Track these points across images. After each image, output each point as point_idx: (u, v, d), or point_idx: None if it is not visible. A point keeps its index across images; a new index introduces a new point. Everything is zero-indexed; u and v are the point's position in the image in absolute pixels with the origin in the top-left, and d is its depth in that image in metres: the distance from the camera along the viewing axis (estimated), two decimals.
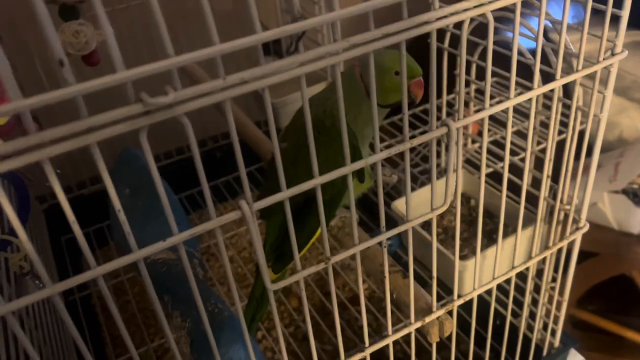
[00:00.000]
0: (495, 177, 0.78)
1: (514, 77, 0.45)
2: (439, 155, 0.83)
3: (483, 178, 0.52)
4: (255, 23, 0.31)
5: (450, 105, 0.81)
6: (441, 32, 0.73)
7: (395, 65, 0.54)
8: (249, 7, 0.31)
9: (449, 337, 0.57)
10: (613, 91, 1.31)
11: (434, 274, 0.52)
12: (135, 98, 0.30)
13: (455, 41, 0.71)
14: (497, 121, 0.90)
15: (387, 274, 0.48)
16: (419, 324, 0.54)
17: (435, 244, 0.50)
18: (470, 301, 0.59)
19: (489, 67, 0.44)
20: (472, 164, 0.83)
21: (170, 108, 0.31)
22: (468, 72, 0.71)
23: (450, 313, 0.56)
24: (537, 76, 0.46)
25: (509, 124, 0.48)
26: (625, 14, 0.48)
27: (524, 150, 0.72)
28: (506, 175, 0.52)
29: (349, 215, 0.69)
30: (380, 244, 0.48)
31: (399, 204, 0.74)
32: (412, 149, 0.96)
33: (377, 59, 0.56)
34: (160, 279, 0.57)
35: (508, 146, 0.50)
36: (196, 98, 0.32)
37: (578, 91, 0.51)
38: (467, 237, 0.75)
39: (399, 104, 0.60)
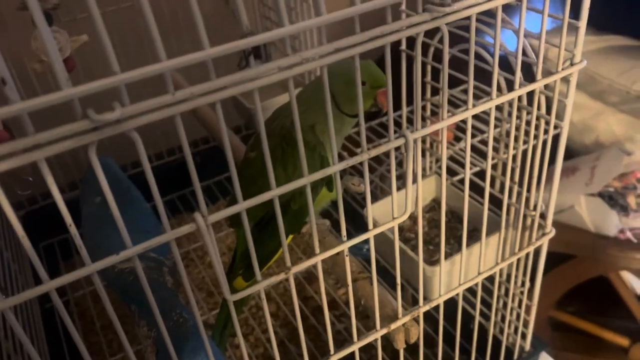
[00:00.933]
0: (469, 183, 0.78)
1: (471, 88, 0.45)
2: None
3: (444, 185, 0.52)
4: (203, 37, 0.32)
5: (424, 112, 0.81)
6: (411, 39, 0.74)
7: (363, 74, 0.55)
8: (195, 18, 0.31)
9: (418, 342, 0.58)
10: (589, 95, 1.32)
11: (398, 280, 0.52)
12: (82, 114, 0.30)
13: (425, 48, 0.72)
14: (473, 127, 0.91)
15: (349, 282, 0.48)
16: (384, 331, 0.54)
17: (397, 251, 0.51)
18: (448, 304, 0.60)
19: (445, 78, 0.45)
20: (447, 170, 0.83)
21: (119, 124, 0.31)
22: (438, 80, 0.72)
23: (417, 319, 0.56)
24: (494, 86, 0.46)
25: (469, 133, 0.48)
26: (582, 24, 0.49)
27: (494, 156, 0.72)
28: (467, 181, 0.53)
29: (320, 223, 0.69)
30: (362, 252, 0.48)
31: (372, 210, 0.74)
32: (387, 154, 0.96)
33: (343, 69, 0.56)
34: (128, 289, 0.57)
35: (468, 156, 0.50)
36: (145, 114, 0.32)
37: (538, 100, 0.52)
38: (439, 243, 0.75)
39: (371, 113, 0.61)
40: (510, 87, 0.52)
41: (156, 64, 0.31)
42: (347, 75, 0.56)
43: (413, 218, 0.78)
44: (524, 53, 0.55)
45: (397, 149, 0.46)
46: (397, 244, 0.50)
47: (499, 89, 0.64)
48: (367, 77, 0.56)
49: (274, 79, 0.35)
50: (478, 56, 0.63)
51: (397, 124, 1.00)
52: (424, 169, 0.83)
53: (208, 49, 0.32)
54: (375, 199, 0.99)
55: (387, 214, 0.75)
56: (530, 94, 0.54)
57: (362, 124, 0.42)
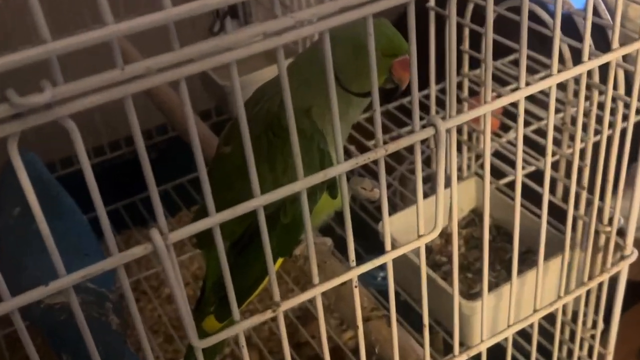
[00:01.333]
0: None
1: (524, 59, 0.46)
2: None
3: (487, 190, 0.53)
4: None
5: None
6: None
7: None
8: None
9: None
10: None
11: (425, 320, 0.53)
12: (1, 96, 0.31)
13: (460, 5, 0.72)
14: (527, 112, 0.92)
15: (359, 323, 0.49)
16: None
17: (424, 281, 0.51)
18: (492, 352, 0.60)
19: (489, 46, 0.45)
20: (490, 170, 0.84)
21: (49, 109, 0.32)
22: (478, 48, 0.73)
23: None
24: (556, 57, 0.47)
25: (520, 120, 0.49)
26: None
27: (555, 152, 0.73)
28: (519, 185, 0.53)
29: (320, 242, 0.70)
30: (370, 280, 0.48)
31: (390, 224, 0.75)
32: (410, 149, 0.97)
33: (347, 32, 0.57)
34: (58, 331, 0.58)
35: (520, 152, 0.51)
36: (84, 95, 0.32)
37: (614, 76, 0.52)
38: (481, 268, 0.76)
39: (386, 91, 0.61)
40: (577, 58, 0.53)
41: (99, 29, 0.31)
42: (353, 39, 0.56)
43: (445, 236, 0.79)
44: (595, 12, 0.55)
45: (424, 141, 0.47)
46: (424, 270, 0.51)
47: (562, 61, 0.65)
48: (380, 41, 0.56)
49: (257, 48, 0.36)
50: (533, 16, 0.64)
51: (424, 108, 1.01)
52: (459, 169, 0.84)
53: (169, 7, 0.32)
54: (393, 209, 1.00)
55: (409, 230, 0.76)
56: (605, 68, 0.54)
57: (376, 107, 0.43)
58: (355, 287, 0.48)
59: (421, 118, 0.90)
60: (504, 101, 0.46)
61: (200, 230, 0.40)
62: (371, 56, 0.40)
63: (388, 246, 0.48)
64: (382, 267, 0.92)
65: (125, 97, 0.34)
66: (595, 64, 0.50)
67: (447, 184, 0.52)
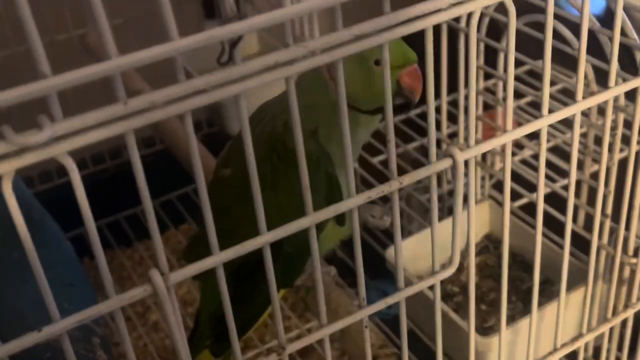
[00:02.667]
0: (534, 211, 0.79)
1: (547, 90, 0.47)
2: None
3: (507, 216, 0.53)
4: (170, 24, 0.33)
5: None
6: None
7: (375, 50, 0.56)
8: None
9: None
10: None
11: (439, 358, 0.53)
12: None
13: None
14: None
15: None
16: None
17: (439, 318, 0.52)
18: None
19: (511, 67, 0.46)
20: (500, 191, 0.84)
21: (47, 146, 0.32)
22: (492, 63, 0.74)
23: None
24: (580, 84, 0.48)
25: (543, 148, 0.50)
26: None
27: (576, 174, 0.74)
28: (541, 210, 0.54)
29: (323, 272, 0.70)
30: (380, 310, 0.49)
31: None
32: (414, 163, 0.97)
33: None
34: None
35: (542, 176, 0.51)
36: (84, 132, 0.33)
37: None
38: (495, 299, 0.77)
39: (396, 107, 0.62)
40: (601, 77, 0.53)
41: (102, 62, 0.32)
42: (358, 52, 0.56)
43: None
44: (622, 31, 0.56)
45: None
46: (439, 310, 0.51)
47: (585, 80, 0.66)
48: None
49: (268, 78, 0.37)
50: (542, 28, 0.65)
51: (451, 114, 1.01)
52: (465, 194, 0.85)
53: (176, 39, 0.33)
54: (390, 240, 1.00)
55: (418, 258, 0.77)
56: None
57: (390, 137, 0.43)
58: (366, 327, 0.49)
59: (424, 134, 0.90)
60: (525, 130, 0.47)
61: (203, 270, 0.40)
62: (386, 84, 0.41)
63: (401, 283, 0.49)
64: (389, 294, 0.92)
65: (127, 132, 0.34)
66: (621, 89, 0.51)
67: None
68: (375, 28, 0.39)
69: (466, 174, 0.46)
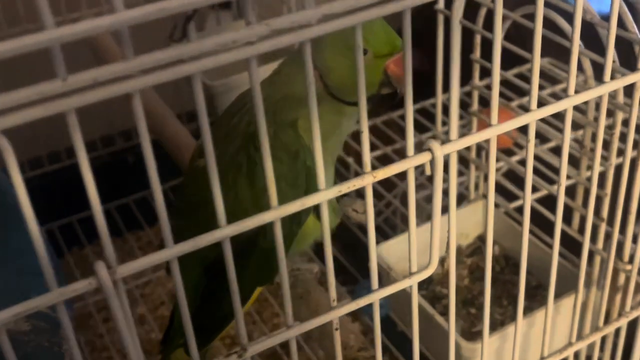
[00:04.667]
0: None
1: (536, 73, 0.44)
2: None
3: (491, 214, 0.51)
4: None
5: (464, 105, 0.80)
6: None
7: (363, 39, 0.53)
8: None
9: None
10: None
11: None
12: None
13: (471, 10, 0.70)
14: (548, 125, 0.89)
15: None
16: None
17: (416, 320, 0.49)
18: None
19: (497, 55, 0.43)
20: (498, 191, 0.82)
21: None
22: (487, 57, 0.70)
23: None
24: (572, 77, 0.45)
25: (531, 146, 0.47)
26: None
27: (572, 175, 0.71)
28: (527, 211, 0.51)
29: (305, 269, 0.68)
30: (365, 308, 0.46)
31: (384, 250, 0.73)
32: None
33: (337, 32, 0.54)
34: None
35: (529, 176, 0.49)
36: (17, 109, 0.30)
37: (638, 97, 0.50)
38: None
39: (384, 97, 0.59)
40: (599, 73, 0.50)
41: (36, 33, 0.29)
42: (343, 40, 0.54)
43: (446, 264, 0.77)
44: (620, 23, 0.53)
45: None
46: (416, 313, 0.49)
47: (580, 71, 0.63)
48: (370, 39, 0.54)
49: (226, 59, 0.34)
50: (553, 26, 0.62)
51: (431, 118, 0.99)
52: (466, 189, 0.82)
53: (122, 11, 0.30)
54: (393, 230, 0.98)
55: (407, 255, 0.74)
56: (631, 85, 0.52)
57: (364, 127, 0.41)
58: (336, 329, 0.46)
59: (427, 130, 0.88)
60: (513, 125, 0.44)
61: (155, 263, 0.37)
62: (359, 70, 0.38)
63: (375, 284, 0.46)
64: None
65: (67, 111, 0.32)
66: (618, 84, 0.48)
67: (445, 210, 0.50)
68: (347, 7, 0.35)
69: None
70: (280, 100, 0.56)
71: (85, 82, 0.31)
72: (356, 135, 1.01)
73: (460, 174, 0.87)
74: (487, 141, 0.45)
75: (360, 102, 0.40)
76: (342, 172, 1.01)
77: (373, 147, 0.99)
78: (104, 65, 0.32)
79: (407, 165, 0.42)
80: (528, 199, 0.51)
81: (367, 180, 0.41)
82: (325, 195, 0.40)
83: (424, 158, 0.42)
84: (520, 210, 0.80)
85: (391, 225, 0.97)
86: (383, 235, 0.95)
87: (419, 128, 0.99)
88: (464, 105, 0.86)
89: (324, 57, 0.55)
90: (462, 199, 0.86)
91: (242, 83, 0.93)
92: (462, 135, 0.78)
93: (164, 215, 0.37)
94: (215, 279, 0.61)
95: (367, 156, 0.41)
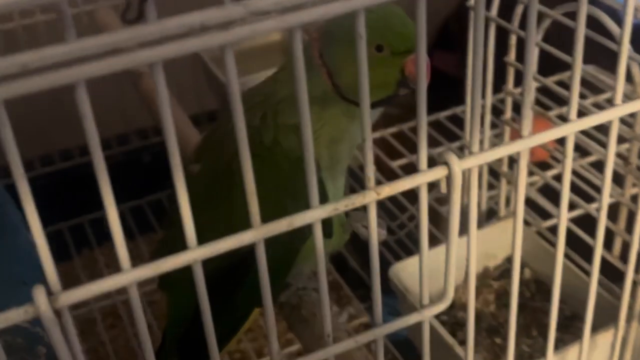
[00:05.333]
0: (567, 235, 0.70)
1: (576, 81, 0.37)
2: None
3: (519, 233, 0.47)
4: None
5: (496, 111, 0.73)
6: None
7: (376, 34, 0.47)
8: None
9: None
10: None
11: None
12: None
13: (507, 7, 0.64)
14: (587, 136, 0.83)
15: None
16: None
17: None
18: None
19: (531, 57, 0.36)
20: (531, 208, 0.75)
21: None
22: (520, 59, 0.64)
23: None
24: (620, 83, 0.38)
25: (568, 162, 0.40)
26: None
27: (614, 194, 0.64)
28: (563, 233, 0.46)
29: (312, 287, 0.62)
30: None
31: (401, 270, 0.66)
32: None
33: (348, 25, 0.48)
34: None
35: (566, 194, 0.42)
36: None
37: None
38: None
39: (395, 99, 0.52)
40: None
41: None
42: (352, 32, 0.48)
43: None
44: None
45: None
46: (427, 348, 0.42)
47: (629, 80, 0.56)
48: (387, 34, 0.48)
49: (193, 45, 0.28)
50: (600, 27, 0.55)
51: (460, 123, 0.92)
52: (495, 204, 0.75)
53: None
54: (415, 245, 0.91)
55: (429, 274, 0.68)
56: None
57: (367, 135, 0.34)
58: None
59: (456, 138, 0.80)
60: (546, 137, 0.38)
61: (106, 290, 0.31)
62: (361, 63, 0.32)
63: (378, 318, 0.39)
64: (397, 313, 0.83)
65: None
66: None
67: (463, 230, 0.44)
68: None
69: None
70: (283, 100, 0.50)
71: (12, 68, 0.25)
72: (379, 142, 0.96)
73: (490, 187, 0.80)
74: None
75: (362, 103, 0.33)
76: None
77: (398, 155, 0.92)
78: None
79: (418, 181, 0.36)
80: (564, 219, 0.46)
81: (370, 198, 0.35)
82: (316, 214, 0.34)
83: (438, 173, 0.36)
84: (554, 230, 0.74)
85: (414, 239, 0.91)
86: (405, 250, 0.89)
87: (448, 136, 0.92)
88: (497, 112, 0.80)
89: (334, 54, 0.48)
90: (491, 215, 0.79)
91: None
92: (493, 145, 0.71)
93: (119, 237, 0.31)
94: (210, 295, 0.56)
95: (370, 169, 0.35)
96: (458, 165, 0.36)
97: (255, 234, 0.33)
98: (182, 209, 0.32)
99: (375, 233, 0.37)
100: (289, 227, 0.34)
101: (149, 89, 0.88)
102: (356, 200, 0.35)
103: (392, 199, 0.92)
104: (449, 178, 0.36)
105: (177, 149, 0.31)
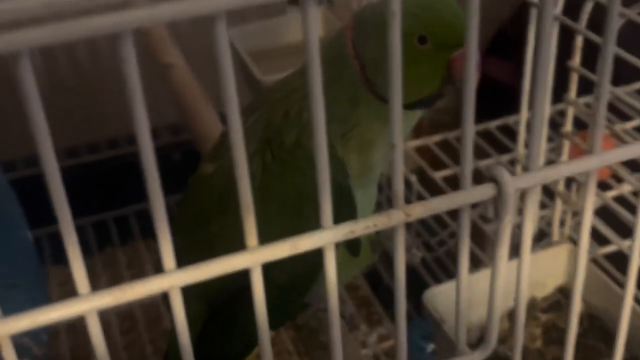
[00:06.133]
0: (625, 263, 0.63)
1: None
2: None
3: (582, 263, 0.38)
4: None
5: (554, 125, 0.65)
6: None
7: (420, 23, 0.41)
8: None
9: None
10: None
11: None
12: None
13: (573, 4, 0.56)
14: None
15: None
16: None
17: None
18: None
19: (607, 65, 0.29)
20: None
21: None
22: (593, 65, 0.56)
23: None
24: None
25: None
26: None
27: None
28: (635, 263, 0.39)
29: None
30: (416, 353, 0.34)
31: (437, 295, 0.59)
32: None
33: (384, 14, 0.42)
34: None
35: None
36: None
37: None
38: None
39: (437, 101, 0.45)
40: None
41: None
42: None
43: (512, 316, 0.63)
44: None
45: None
46: None
47: None
48: (433, 24, 0.42)
49: (170, 13, 0.21)
50: None
51: (512, 135, 0.84)
52: (547, 225, 0.67)
53: None
54: (446, 271, 0.84)
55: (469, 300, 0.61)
56: None
57: (396, 130, 0.28)
58: None
59: (506, 151, 0.73)
60: (619, 156, 0.30)
61: (56, 321, 0.25)
62: (393, 49, 0.25)
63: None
64: (429, 338, 0.75)
65: None
66: None
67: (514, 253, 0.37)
68: None
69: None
70: (307, 97, 0.43)
71: None
72: (423, 148, 0.88)
73: (542, 205, 0.73)
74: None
75: (392, 101, 0.26)
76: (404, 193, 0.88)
77: (442, 165, 0.85)
78: None
79: (459, 201, 0.28)
80: (637, 251, 0.38)
81: (397, 219, 0.28)
82: (327, 237, 0.27)
83: (485, 192, 0.29)
84: (611, 257, 0.66)
85: (455, 259, 0.83)
86: (444, 270, 0.82)
87: (499, 148, 0.84)
88: (555, 124, 0.72)
89: (368, 44, 0.42)
90: (541, 236, 0.71)
91: None
92: (549, 162, 0.63)
93: (77, 256, 0.24)
94: (219, 315, 0.50)
95: (399, 185, 0.28)
96: (511, 184, 0.28)
97: (250, 258, 0.27)
98: (159, 231, 0.25)
99: (402, 263, 0.30)
100: (292, 250, 0.27)
101: (178, 82, 0.83)
102: (380, 222, 0.28)
103: None
104: (498, 199, 0.29)
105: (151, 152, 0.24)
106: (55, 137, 0.23)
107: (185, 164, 1.10)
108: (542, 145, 0.64)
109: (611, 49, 0.30)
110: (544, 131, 0.63)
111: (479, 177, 0.79)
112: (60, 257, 1.03)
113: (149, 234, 1.10)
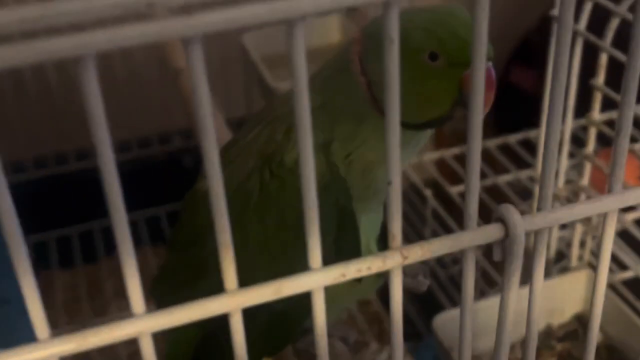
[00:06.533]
0: None
1: None
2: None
3: (600, 293, 0.37)
4: None
5: (577, 140, 0.62)
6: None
7: (432, 39, 0.38)
8: None
9: None
10: None
11: None
12: None
13: (599, 20, 0.53)
14: None
15: None
16: None
17: None
18: None
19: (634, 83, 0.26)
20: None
21: None
22: (617, 83, 0.53)
23: None
24: None
25: None
26: None
27: None
28: None
29: (338, 335, 0.53)
30: None
31: (447, 322, 0.57)
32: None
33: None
34: None
35: None
36: None
37: None
38: None
39: (448, 121, 0.43)
40: None
41: None
42: (402, 40, 0.38)
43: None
44: None
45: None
46: None
47: None
48: (445, 39, 0.39)
49: (136, 36, 0.19)
50: None
51: (532, 149, 0.81)
52: (567, 246, 0.64)
53: None
54: (450, 298, 0.81)
55: (475, 331, 0.58)
56: None
57: (392, 161, 0.26)
58: None
59: (526, 166, 0.69)
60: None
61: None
62: (390, 80, 0.23)
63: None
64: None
65: None
66: None
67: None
68: None
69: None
70: (313, 112, 0.41)
71: None
72: (440, 162, 0.86)
73: (561, 226, 0.70)
74: (602, 187, 0.29)
75: (388, 136, 0.24)
76: (418, 208, 0.85)
77: (459, 180, 0.82)
78: None
79: (462, 244, 0.26)
80: None
81: (394, 262, 0.25)
82: (313, 280, 0.25)
83: (492, 234, 0.26)
84: (631, 283, 0.63)
85: (448, 293, 0.81)
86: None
87: (518, 164, 0.81)
88: (578, 141, 0.69)
89: (375, 60, 0.39)
90: (560, 258, 0.68)
91: None
92: (567, 181, 0.60)
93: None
94: (211, 339, 0.48)
95: (397, 224, 0.25)
96: (521, 226, 0.26)
97: (229, 303, 0.24)
98: (127, 275, 0.23)
99: (399, 306, 0.27)
100: (275, 294, 0.24)
101: (189, 87, 0.81)
102: (374, 265, 0.25)
103: (445, 226, 0.81)
104: (505, 241, 0.26)
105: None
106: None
107: (197, 169, 1.08)
108: (564, 164, 0.61)
109: (636, 74, 0.28)
110: (565, 148, 0.61)
111: (496, 194, 0.75)
112: (66, 262, 1.02)
113: (158, 239, 1.08)
